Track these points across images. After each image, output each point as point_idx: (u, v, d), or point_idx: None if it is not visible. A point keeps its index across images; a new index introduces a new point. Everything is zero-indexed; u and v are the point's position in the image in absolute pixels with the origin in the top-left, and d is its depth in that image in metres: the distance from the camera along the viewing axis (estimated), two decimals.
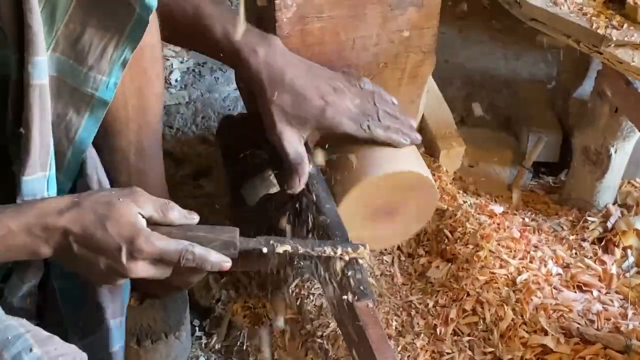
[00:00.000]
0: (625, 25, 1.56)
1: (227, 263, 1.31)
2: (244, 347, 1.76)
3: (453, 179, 1.94)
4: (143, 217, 1.24)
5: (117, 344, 1.47)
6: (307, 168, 1.54)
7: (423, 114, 1.87)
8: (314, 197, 1.53)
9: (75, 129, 1.34)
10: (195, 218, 1.30)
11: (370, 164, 1.55)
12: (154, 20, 1.41)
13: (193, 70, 2.34)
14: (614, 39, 1.53)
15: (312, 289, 1.78)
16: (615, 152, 1.78)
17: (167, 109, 2.23)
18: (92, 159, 1.42)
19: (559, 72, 2.12)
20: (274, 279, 1.83)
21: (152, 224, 1.25)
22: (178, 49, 2.37)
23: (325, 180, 1.56)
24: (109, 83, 1.31)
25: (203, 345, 1.79)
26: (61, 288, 1.44)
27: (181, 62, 2.35)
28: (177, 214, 1.28)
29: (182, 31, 1.56)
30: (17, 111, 1.28)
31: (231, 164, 1.85)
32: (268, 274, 1.84)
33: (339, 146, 1.61)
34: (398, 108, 1.64)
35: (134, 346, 1.65)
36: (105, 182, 1.43)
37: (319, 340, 1.71)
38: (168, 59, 2.34)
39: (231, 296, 1.85)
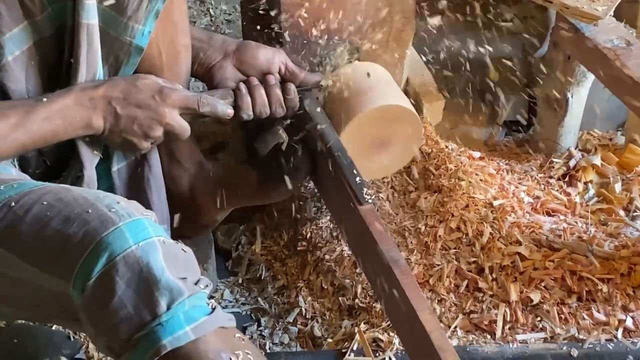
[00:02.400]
0: None
1: (230, 110, 1.67)
2: (263, 278, 2.05)
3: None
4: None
5: None
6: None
7: (408, 77, 2.18)
8: (320, 131, 1.82)
9: (115, 72, 1.57)
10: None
11: (363, 99, 1.84)
12: None
13: None
14: None
15: (320, 223, 2.06)
16: (572, 96, 2.09)
17: None
18: None
19: (523, 46, 2.43)
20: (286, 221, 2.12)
21: None
22: None
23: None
24: (144, 32, 1.54)
25: (228, 280, 2.07)
26: None
27: None
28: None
29: None
30: (71, 51, 1.51)
31: (246, 123, 2.14)
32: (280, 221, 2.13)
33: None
34: None
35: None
36: None
37: (327, 263, 1.99)
38: None
39: (250, 239, 2.13)
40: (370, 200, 1.71)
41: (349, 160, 1.76)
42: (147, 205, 1.61)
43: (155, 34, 1.61)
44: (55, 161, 1.61)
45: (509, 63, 2.47)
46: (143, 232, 1.27)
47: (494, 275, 1.89)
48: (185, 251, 1.33)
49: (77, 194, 1.32)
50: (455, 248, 1.94)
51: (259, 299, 2.00)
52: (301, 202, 2.11)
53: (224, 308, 1.96)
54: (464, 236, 1.95)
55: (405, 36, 2.07)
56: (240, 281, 2.05)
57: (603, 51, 1.86)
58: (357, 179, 1.72)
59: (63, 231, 1.27)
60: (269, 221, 2.14)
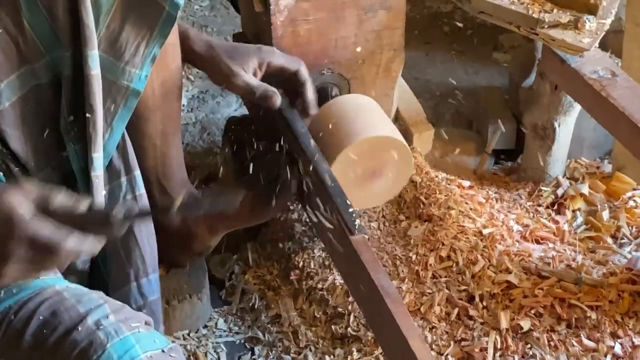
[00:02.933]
0: (555, 10, 1.91)
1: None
2: (256, 307, 2.07)
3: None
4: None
5: (153, 295, 1.72)
6: (269, 87, 1.86)
7: (398, 107, 2.21)
8: (310, 158, 1.85)
9: (112, 114, 1.55)
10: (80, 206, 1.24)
11: (353, 130, 1.87)
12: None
13: (197, 97, 2.68)
14: (547, 20, 1.89)
15: (312, 252, 2.08)
16: (559, 125, 2.12)
17: None
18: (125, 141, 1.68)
19: (510, 75, 2.47)
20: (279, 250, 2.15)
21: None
22: (184, 80, 2.71)
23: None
24: (141, 76, 1.52)
25: (221, 310, 2.09)
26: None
27: (186, 91, 2.69)
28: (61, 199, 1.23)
29: None
30: (72, 103, 1.51)
31: (237, 154, 2.18)
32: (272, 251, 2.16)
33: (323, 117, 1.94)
34: None
35: (164, 305, 1.94)
36: (133, 157, 1.65)
37: (320, 292, 2.01)
38: None
39: (242, 269, 2.15)
40: (361, 230, 1.73)
41: (339, 190, 1.79)
42: (137, 250, 1.64)
43: (150, 76, 1.60)
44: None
45: (497, 92, 2.52)
46: (130, 350, 1.29)
47: (484, 303, 1.92)
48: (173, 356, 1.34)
49: (70, 305, 1.32)
50: (446, 276, 1.96)
51: (253, 327, 2.02)
52: (293, 232, 2.14)
53: (217, 337, 2.01)
54: (455, 265, 1.97)
55: (395, 68, 2.11)
56: (234, 310, 2.08)
57: (589, 82, 1.89)
58: (349, 208, 1.75)
59: (57, 353, 1.30)
60: (262, 250, 2.17)
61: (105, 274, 1.69)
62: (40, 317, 1.31)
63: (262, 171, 1.96)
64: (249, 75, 1.86)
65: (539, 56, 2.11)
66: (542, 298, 1.91)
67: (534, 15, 1.89)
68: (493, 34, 2.83)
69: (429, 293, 1.95)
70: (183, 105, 2.63)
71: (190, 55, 1.86)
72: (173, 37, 1.70)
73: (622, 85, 1.88)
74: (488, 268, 1.96)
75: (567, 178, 2.26)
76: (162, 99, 1.74)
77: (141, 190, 1.66)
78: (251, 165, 2.06)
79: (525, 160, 2.26)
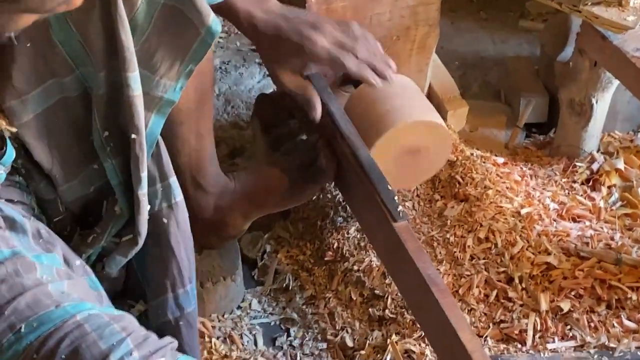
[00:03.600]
0: None
1: None
2: (290, 288, 2.05)
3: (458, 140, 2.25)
4: None
5: (190, 306, 1.66)
6: (314, 93, 1.80)
7: (430, 82, 2.17)
8: (348, 141, 1.81)
9: (145, 122, 1.50)
10: None
11: (394, 113, 1.84)
12: None
13: (220, 68, 2.63)
14: None
15: (347, 233, 2.06)
16: (597, 102, 2.09)
17: None
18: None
19: (542, 47, 2.43)
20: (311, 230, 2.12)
21: None
22: None
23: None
24: (176, 87, 1.49)
25: (255, 290, 2.07)
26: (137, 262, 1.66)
27: None
28: None
29: None
30: (106, 119, 1.48)
31: (268, 132, 2.14)
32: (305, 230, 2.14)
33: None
34: (379, 49, 1.84)
35: (198, 287, 1.92)
36: (168, 164, 1.60)
37: (356, 273, 1.99)
38: None
39: (275, 248, 2.13)
40: (404, 217, 1.71)
41: (381, 176, 1.76)
42: (174, 261, 1.61)
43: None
44: (80, 210, 1.60)
45: (526, 62, 2.48)
46: None
47: (523, 285, 1.90)
48: None
49: (92, 341, 1.24)
50: (484, 258, 1.94)
51: (288, 309, 2.01)
52: (327, 211, 2.11)
53: (252, 319, 1.99)
54: (493, 246, 1.95)
55: (430, 43, 2.07)
56: (267, 291, 2.05)
57: (632, 60, 1.86)
58: (391, 195, 1.72)
59: None
60: (294, 229, 2.14)
61: (143, 282, 1.67)
62: (62, 357, 1.24)
63: (297, 155, 1.93)
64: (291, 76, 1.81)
65: (576, 30, 2.07)
66: (582, 280, 1.90)
67: None
68: (520, 1, 2.78)
69: (468, 275, 1.93)
70: None
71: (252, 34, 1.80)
72: None
73: None
74: (527, 249, 1.94)
75: (602, 153, 2.23)
76: (196, 102, 1.71)
77: (177, 198, 1.61)
78: (284, 144, 2.04)
79: (559, 136, 2.23)
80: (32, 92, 1.42)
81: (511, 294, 1.90)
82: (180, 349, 1.56)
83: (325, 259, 2.04)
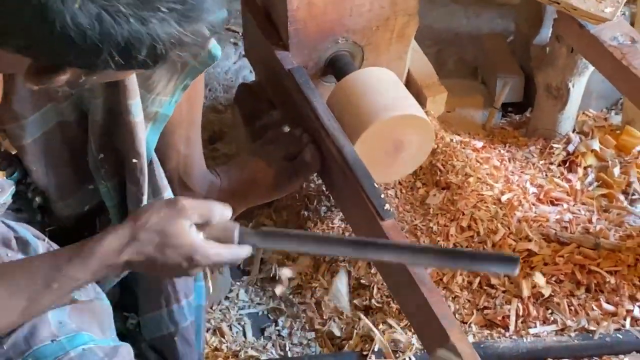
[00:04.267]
0: None
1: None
2: (277, 277, 2.08)
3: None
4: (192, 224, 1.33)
5: (186, 321, 1.66)
6: None
7: (409, 69, 2.19)
8: (331, 136, 1.83)
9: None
10: (228, 214, 1.38)
11: (376, 108, 1.86)
12: None
13: None
14: None
15: (331, 223, 2.09)
16: (573, 86, 2.12)
17: None
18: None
19: (516, 25, 2.45)
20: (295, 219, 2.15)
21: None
22: None
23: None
24: (171, 101, 1.50)
25: (241, 280, 2.10)
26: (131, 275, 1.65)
27: None
28: (218, 216, 1.35)
29: None
30: (101, 142, 1.50)
31: (250, 123, 2.15)
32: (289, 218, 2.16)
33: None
34: None
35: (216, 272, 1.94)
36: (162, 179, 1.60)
37: (341, 263, 2.03)
38: None
39: None
40: (390, 215, 1.74)
41: (366, 173, 1.78)
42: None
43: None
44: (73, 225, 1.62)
45: (501, 40, 2.50)
46: None
47: None
48: None
49: None
50: (467, 246, 1.98)
51: (275, 299, 2.04)
52: (309, 201, 2.14)
53: (240, 309, 2.02)
54: (476, 235, 1.99)
55: (409, 32, 2.08)
56: (254, 281, 2.08)
57: (609, 49, 1.88)
58: (378, 192, 1.75)
59: None
60: (278, 218, 2.17)
61: (138, 296, 1.68)
62: None
63: (282, 147, 1.95)
64: None
65: (552, 12, 2.09)
66: (562, 265, 1.95)
67: None
68: None
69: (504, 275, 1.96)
70: None
71: None
72: None
73: None
74: (508, 236, 1.99)
75: (577, 133, 2.26)
76: (187, 111, 1.71)
77: None
78: (267, 134, 2.05)
79: (535, 117, 2.26)
80: (30, 117, 1.43)
81: (494, 281, 1.95)
82: None
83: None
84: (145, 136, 1.47)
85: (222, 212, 1.38)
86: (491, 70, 2.40)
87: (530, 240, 1.98)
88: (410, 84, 2.19)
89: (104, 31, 1.00)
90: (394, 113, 1.84)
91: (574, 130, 2.27)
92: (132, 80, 1.40)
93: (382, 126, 1.84)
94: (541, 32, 2.25)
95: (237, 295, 2.06)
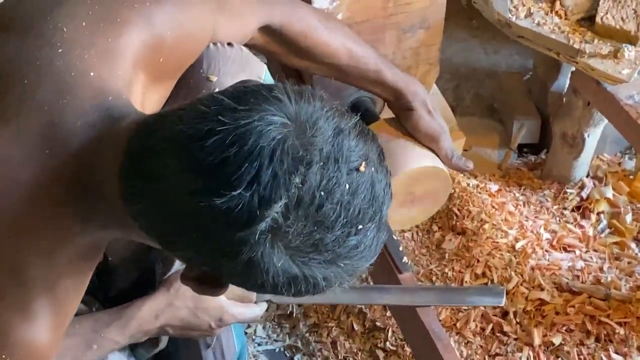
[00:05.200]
0: (595, 40, 1.93)
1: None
2: (294, 315, 2.13)
3: None
4: None
5: None
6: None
7: None
8: None
9: None
10: None
11: (397, 160, 1.90)
12: None
13: None
14: (587, 51, 1.91)
15: None
16: (589, 136, 2.16)
17: None
18: None
19: (535, 66, 2.49)
20: None
21: None
22: None
23: None
24: None
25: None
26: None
27: None
28: None
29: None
30: None
31: None
32: None
33: None
34: None
35: None
36: None
37: (358, 305, 2.08)
38: None
39: None
40: (408, 268, 1.80)
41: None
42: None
43: None
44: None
45: (518, 79, 2.54)
46: None
47: (517, 319, 2.00)
48: None
49: None
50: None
51: (292, 336, 2.10)
52: None
53: (257, 345, 2.08)
54: (490, 282, 2.04)
55: (430, 79, 2.12)
56: (272, 317, 2.14)
57: (625, 108, 1.92)
58: (396, 245, 1.80)
59: None
60: None
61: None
62: None
63: None
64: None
65: (572, 68, 2.13)
66: (573, 316, 2.00)
67: (574, 45, 1.91)
68: None
69: (465, 309, 2.02)
70: None
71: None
72: None
73: None
74: (521, 285, 2.04)
75: (591, 177, 2.31)
76: None
77: None
78: None
79: (550, 161, 2.30)
80: None
81: (506, 328, 2.00)
82: None
83: None
84: None
85: None
86: (508, 110, 2.44)
87: (542, 290, 2.03)
88: None
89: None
90: (411, 167, 1.88)
91: (587, 175, 2.31)
92: None
93: (399, 180, 1.88)
94: (559, 79, 2.29)
95: (255, 331, 2.12)
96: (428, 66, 2.09)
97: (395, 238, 1.81)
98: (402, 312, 1.83)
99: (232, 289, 1.40)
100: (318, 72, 1.73)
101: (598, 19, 1.92)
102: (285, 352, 2.09)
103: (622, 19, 1.91)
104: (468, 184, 2.20)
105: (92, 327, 1.40)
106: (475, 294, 1.80)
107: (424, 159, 1.92)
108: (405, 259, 1.80)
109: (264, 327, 2.12)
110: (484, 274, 2.06)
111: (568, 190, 2.28)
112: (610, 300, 2.02)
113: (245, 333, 2.11)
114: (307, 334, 2.10)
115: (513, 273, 2.05)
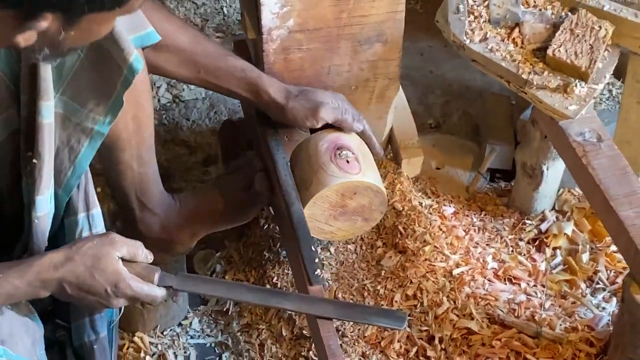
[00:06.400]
0: (545, 72, 1.88)
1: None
2: (229, 312, 2.15)
3: (418, 179, 2.29)
4: (120, 257, 1.60)
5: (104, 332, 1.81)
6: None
7: (392, 127, 2.21)
8: (284, 193, 1.89)
9: (76, 153, 1.67)
10: (150, 258, 1.67)
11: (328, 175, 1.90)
12: (142, 56, 1.72)
13: None
14: (535, 83, 1.86)
15: (286, 269, 2.14)
16: (547, 169, 2.11)
17: (185, 103, 2.60)
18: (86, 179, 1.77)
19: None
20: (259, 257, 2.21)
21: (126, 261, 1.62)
22: None
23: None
24: (104, 121, 1.64)
25: (198, 309, 2.17)
26: None
27: None
28: (142, 255, 1.64)
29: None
30: (26, 139, 1.62)
31: (228, 161, 2.22)
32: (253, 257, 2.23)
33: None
34: None
35: (139, 307, 2.03)
36: (93, 195, 1.77)
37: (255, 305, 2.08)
38: None
39: (224, 268, 2.22)
40: (319, 281, 1.79)
41: (307, 235, 1.83)
42: None
43: (122, 111, 1.69)
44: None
45: (505, 102, 2.49)
46: None
47: (443, 346, 1.97)
48: None
49: None
50: (409, 315, 2.00)
51: (224, 333, 2.11)
52: (273, 243, 2.19)
53: (189, 338, 2.10)
54: (419, 304, 2.02)
55: (389, 94, 2.11)
56: (209, 312, 2.15)
57: (572, 144, 1.87)
58: (312, 256, 1.80)
59: None
60: (244, 253, 2.23)
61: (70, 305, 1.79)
62: None
63: (240, 177, 2.03)
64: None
65: None
66: (498, 349, 1.96)
67: (523, 75, 1.86)
68: None
69: (392, 329, 2.00)
70: None
71: (265, 105, 1.97)
72: (141, 75, 1.72)
73: (604, 154, 1.86)
74: (452, 311, 2.00)
75: (556, 210, 2.25)
76: (134, 130, 1.83)
77: (98, 228, 1.76)
78: (230, 164, 2.14)
79: (514, 191, 2.26)
80: None
81: (430, 352, 1.97)
82: None
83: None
84: (52, 139, 1.59)
85: (146, 255, 1.67)
86: (486, 132, 2.40)
87: (472, 319, 1.99)
88: (390, 141, 2.22)
89: None
90: (346, 179, 1.88)
91: (552, 208, 2.25)
92: (46, 81, 1.54)
93: (330, 191, 1.88)
94: (529, 108, 2.24)
95: (191, 323, 2.13)
96: (387, 81, 2.08)
97: (313, 249, 1.81)
98: (311, 323, 1.82)
99: (134, 266, 1.60)
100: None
101: (550, 51, 1.86)
102: (216, 348, 2.10)
103: (575, 53, 1.86)
104: (420, 203, 2.17)
105: None
106: (376, 314, 1.81)
107: (360, 173, 1.92)
108: (318, 271, 1.80)
109: (200, 321, 2.14)
110: (414, 296, 2.03)
111: (527, 222, 2.23)
112: (541, 338, 1.97)
113: (180, 324, 2.13)
114: (239, 333, 2.10)
115: (445, 298, 2.01)
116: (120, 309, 1.79)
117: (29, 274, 1.53)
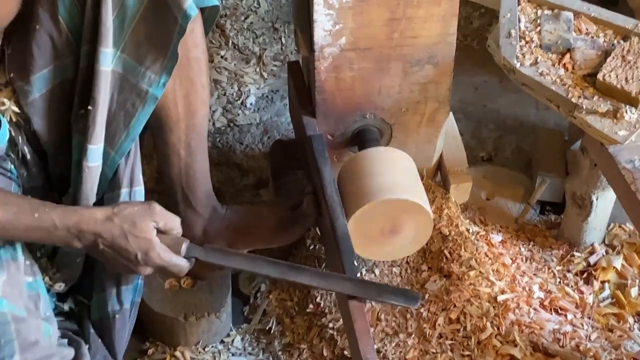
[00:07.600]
0: (595, 97, 1.87)
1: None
2: (272, 332, 2.14)
3: (467, 208, 2.29)
4: (155, 227, 1.65)
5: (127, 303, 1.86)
6: None
7: (441, 152, 2.21)
8: (330, 209, 1.90)
9: (130, 117, 1.72)
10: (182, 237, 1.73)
11: (375, 188, 1.90)
12: (201, 37, 1.78)
13: (267, 96, 2.73)
14: (584, 107, 1.85)
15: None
16: (597, 199, 2.08)
17: (240, 127, 2.63)
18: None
19: (570, 125, 2.42)
20: None
21: (160, 232, 1.68)
22: (257, 76, 2.77)
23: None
24: (159, 82, 1.69)
25: (241, 327, 2.17)
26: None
27: (257, 89, 2.73)
28: (177, 230, 1.71)
29: None
30: (82, 94, 1.68)
31: (277, 179, 2.24)
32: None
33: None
34: None
35: (181, 320, 2.04)
36: (139, 173, 1.82)
37: (330, 331, 2.07)
38: (247, 85, 2.73)
39: (269, 288, 2.22)
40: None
41: (350, 250, 1.84)
42: None
43: (172, 87, 1.76)
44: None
45: (558, 137, 2.48)
46: None
47: None
48: None
49: None
50: (452, 339, 1.98)
51: (266, 352, 2.11)
52: (320, 262, 2.19)
53: (232, 355, 2.10)
54: (462, 329, 2.00)
55: (439, 118, 2.11)
56: (252, 330, 2.16)
57: (622, 171, 1.85)
58: (354, 271, 1.80)
59: None
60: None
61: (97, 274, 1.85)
62: None
63: (288, 197, 2.05)
64: None
65: None
66: None
67: (572, 99, 1.86)
68: None
69: (433, 352, 1.98)
70: (250, 104, 2.69)
71: None
72: (197, 53, 1.79)
73: None
74: (495, 337, 1.98)
75: (606, 244, 2.22)
76: (185, 111, 1.85)
77: None
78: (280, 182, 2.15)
79: (564, 223, 2.23)
80: (38, 74, 1.65)
81: None
82: (107, 345, 1.81)
83: (307, 310, 2.13)
84: (107, 88, 1.65)
85: (180, 229, 1.73)
86: (538, 165, 2.38)
87: (516, 346, 1.96)
88: (440, 168, 2.22)
89: None
90: (389, 196, 1.88)
91: (602, 242, 2.22)
92: (105, 26, 1.60)
93: (376, 207, 1.88)
94: (582, 138, 2.22)
95: (233, 341, 2.13)
96: (437, 104, 2.08)
97: (355, 264, 1.81)
98: (349, 331, 1.82)
99: (164, 237, 1.64)
100: None
101: (600, 76, 1.86)
102: None
103: (625, 79, 1.85)
104: (467, 229, 2.16)
105: (42, 202, 1.59)
106: (391, 292, 1.88)
107: (407, 192, 1.92)
108: None
109: (242, 339, 2.14)
110: (458, 319, 2.01)
111: (576, 254, 2.20)
112: None
113: (223, 342, 2.14)
114: (280, 353, 2.10)
115: (489, 324, 1.99)
116: (141, 288, 1.86)
117: (72, 219, 1.59)
